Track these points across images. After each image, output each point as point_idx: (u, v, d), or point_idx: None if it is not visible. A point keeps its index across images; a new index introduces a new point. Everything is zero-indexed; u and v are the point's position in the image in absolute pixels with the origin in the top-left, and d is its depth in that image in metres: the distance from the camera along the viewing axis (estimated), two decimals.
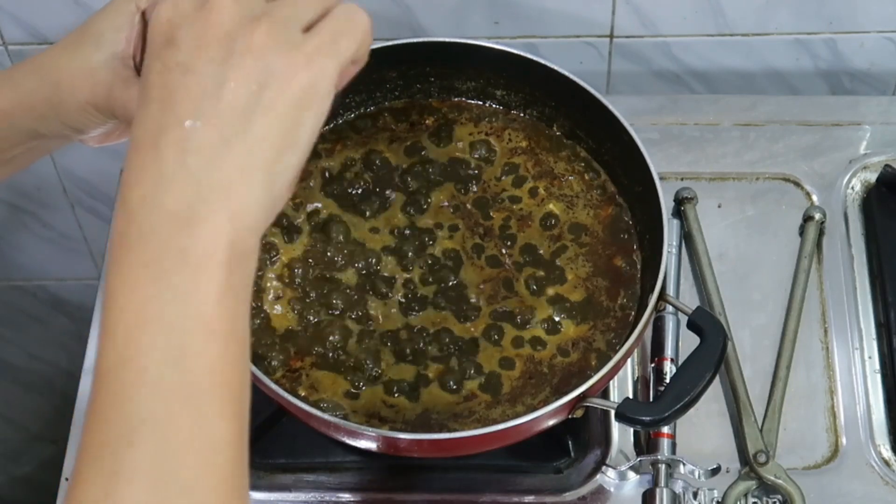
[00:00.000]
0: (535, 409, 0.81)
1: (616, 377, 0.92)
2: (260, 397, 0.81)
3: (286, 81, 0.52)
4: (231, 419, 0.51)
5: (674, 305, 0.87)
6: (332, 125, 0.97)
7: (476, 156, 0.96)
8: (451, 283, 0.89)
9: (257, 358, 0.87)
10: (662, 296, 0.84)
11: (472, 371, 0.86)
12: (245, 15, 0.53)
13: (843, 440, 0.94)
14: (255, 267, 0.53)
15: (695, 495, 0.90)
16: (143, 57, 0.65)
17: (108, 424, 0.49)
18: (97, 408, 0.50)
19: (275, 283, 0.90)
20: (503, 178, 0.95)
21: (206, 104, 0.51)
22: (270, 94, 0.52)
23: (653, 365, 0.95)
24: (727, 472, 0.92)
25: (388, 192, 0.94)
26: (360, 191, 0.94)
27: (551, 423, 0.82)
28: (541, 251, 0.91)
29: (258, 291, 0.89)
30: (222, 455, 0.50)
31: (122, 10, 0.68)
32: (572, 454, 0.93)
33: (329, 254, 0.91)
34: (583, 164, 0.95)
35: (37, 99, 0.71)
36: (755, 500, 0.91)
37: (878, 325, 0.99)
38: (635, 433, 0.94)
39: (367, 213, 0.93)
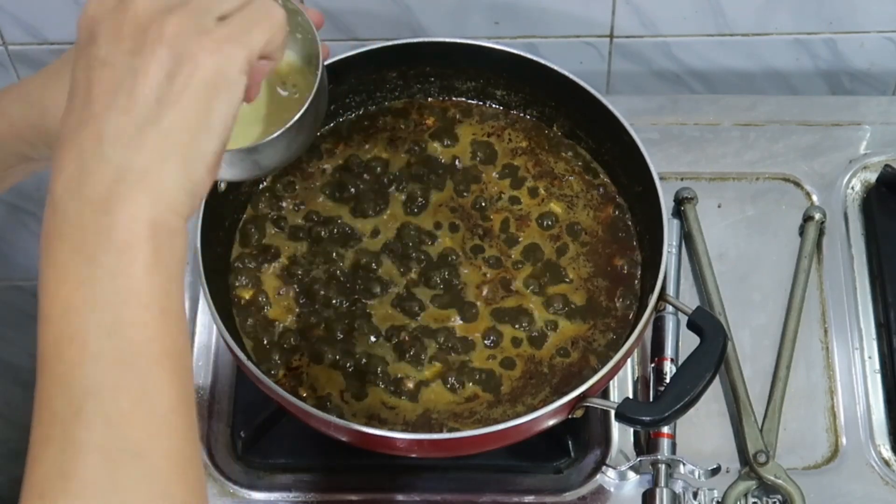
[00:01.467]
0: (535, 408, 0.81)
1: (616, 377, 0.93)
2: (260, 397, 0.82)
3: (195, 67, 0.53)
4: (175, 386, 0.53)
5: (674, 305, 0.87)
6: (332, 125, 0.97)
7: (476, 156, 0.96)
8: (450, 284, 0.89)
9: (258, 357, 0.87)
10: (662, 296, 0.84)
11: (472, 371, 0.86)
12: (161, 7, 0.54)
13: (843, 440, 0.94)
14: (184, 247, 0.54)
15: (695, 495, 0.90)
16: None
17: (55, 401, 0.51)
18: (43, 388, 0.52)
19: (275, 282, 0.90)
20: (503, 178, 0.95)
21: (121, 95, 0.53)
22: (180, 81, 0.53)
23: (653, 365, 0.95)
24: (727, 472, 0.92)
25: (387, 192, 0.94)
26: (359, 191, 0.94)
27: (551, 423, 0.82)
28: (541, 251, 0.91)
29: (258, 291, 0.89)
30: (170, 422, 0.52)
31: None
32: (572, 454, 0.94)
33: (329, 254, 0.91)
34: (583, 165, 0.95)
35: (24, 125, 0.72)
36: (755, 500, 0.91)
37: (878, 325, 0.99)
38: (635, 433, 0.94)
39: (367, 213, 0.93)
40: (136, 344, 0.52)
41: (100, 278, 0.51)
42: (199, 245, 0.83)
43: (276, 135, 0.65)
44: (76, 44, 0.56)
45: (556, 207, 0.93)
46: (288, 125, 0.65)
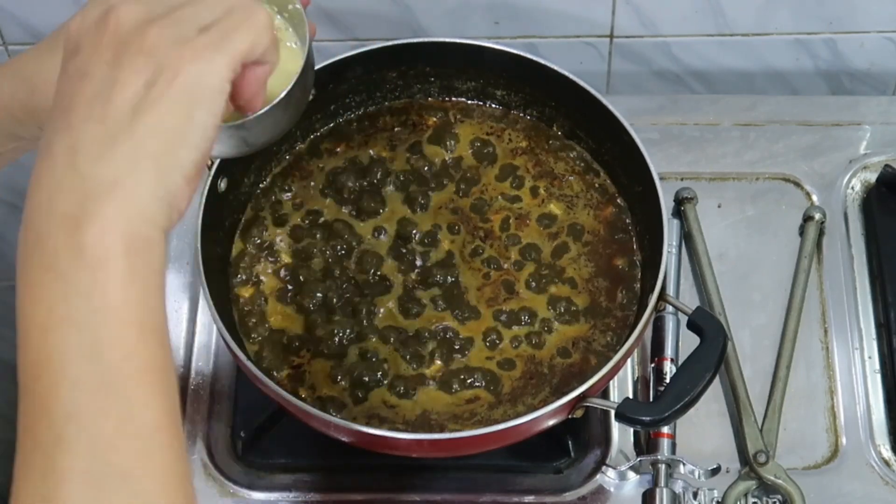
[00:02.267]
0: (535, 409, 0.81)
1: (616, 377, 0.92)
2: (260, 397, 0.82)
3: (173, 76, 0.52)
4: (159, 403, 0.51)
5: (674, 305, 0.87)
6: (332, 125, 0.97)
7: (476, 156, 0.96)
8: (450, 284, 0.89)
9: (258, 357, 0.87)
10: (662, 296, 0.84)
11: (472, 372, 0.86)
12: (143, 18, 0.53)
13: (843, 440, 0.94)
14: (162, 257, 0.53)
15: (695, 495, 0.90)
16: None
17: (37, 427, 0.49)
18: (24, 413, 0.50)
19: (275, 282, 0.90)
20: (503, 178, 0.95)
21: (97, 105, 0.52)
22: (157, 90, 0.52)
23: (653, 365, 0.95)
24: (727, 472, 0.92)
25: (387, 192, 0.94)
26: (360, 191, 0.94)
27: (551, 423, 0.82)
28: (541, 251, 0.91)
29: (258, 290, 0.89)
30: (156, 440, 0.51)
31: None
32: (572, 454, 0.93)
33: (329, 254, 0.91)
34: (583, 165, 0.95)
35: (14, 103, 0.71)
36: (755, 500, 0.91)
37: (878, 325, 0.99)
38: (635, 433, 0.94)
39: (367, 214, 0.92)
40: (117, 363, 0.50)
41: (74, 297, 0.50)
42: (199, 245, 0.83)
43: (263, 111, 0.64)
44: (62, 59, 0.55)
45: (556, 208, 0.93)
46: (275, 102, 0.65)
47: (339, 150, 0.96)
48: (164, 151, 0.52)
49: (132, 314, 0.51)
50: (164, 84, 0.52)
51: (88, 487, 0.49)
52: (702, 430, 0.94)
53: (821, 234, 1.03)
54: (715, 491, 0.91)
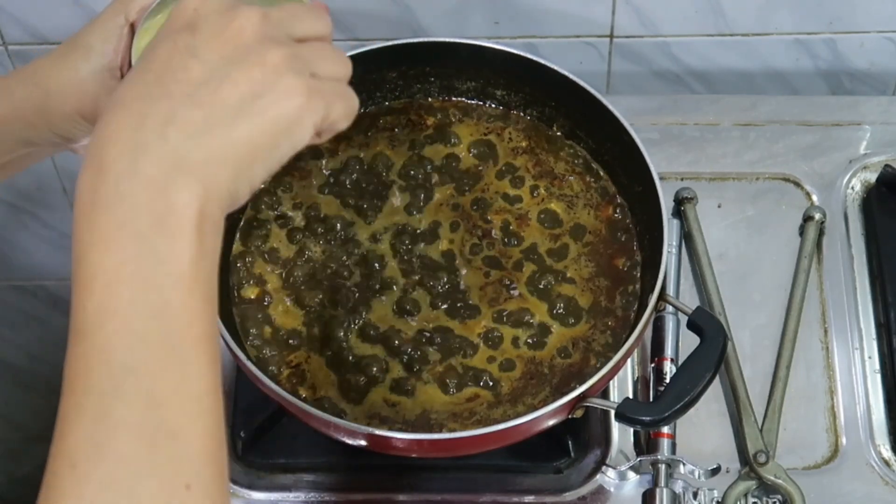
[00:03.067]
0: (535, 409, 0.81)
1: (616, 377, 0.92)
2: (260, 397, 0.82)
3: (282, 100, 0.56)
4: (210, 370, 0.54)
5: (674, 305, 0.87)
6: None
7: (476, 156, 0.96)
8: (450, 284, 0.89)
9: (258, 357, 0.87)
10: (662, 296, 0.84)
11: (472, 372, 0.86)
12: (268, 35, 0.57)
13: (843, 440, 0.94)
14: (220, 241, 0.56)
15: (695, 495, 0.90)
16: (130, 67, 0.66)
17: (93, 375, 0.51)
18: (79, 359, 0.52)
19: (275, 282, 0.90)
20: (503, 178, 0.95)
21: (203, 90, 0.55)
22: (263, 104, 0.56)
23: (653, 365, 0.95)
24: (727, 472, 0.92)
25: (388, 192, 0.94)
26: (360, 191, 0.94)
27: (551, 423, 0.82)
28: (541, 251, 0.91)
29: (258, 290, 0.89)
30: (204, 403, 0.53)
31: (111, 23, 0.72)
32: (572, 454, 0.93)
33: (329, 253, 0.91)
34: (583, 165, 0.95)
35: (28, 108, 0.72)
36: (755, 500, 0.91)
37: (878, 325, 0.99)
38: (635, 433, 0.94)
39: (368, 213, 0.93)
40: (181, 327, 0.53)
41: (149, 257, 0.52)
42: None
43: None
44: (166, 27, 0.57)
45: (556, 207, 0.93)
46: None
47: (339, 149, 0.96)
48: (246, 158, 0.56)
49: (200, 285, 0.54)
50: (269, 104, 0.56)
51: (140, 440, 0.50)
52: (702, 430, 0.94)
53: (821, 234, 1.03)
54: (715, 491, 0.91)
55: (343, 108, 0.60)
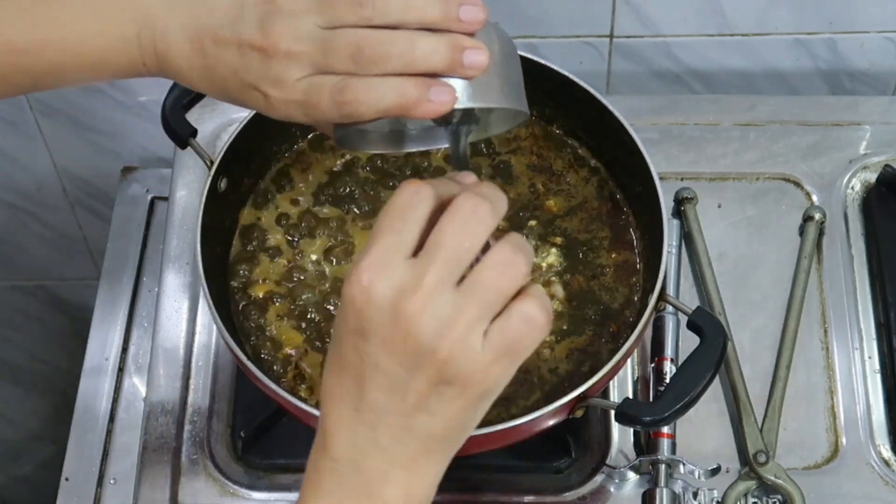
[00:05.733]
0: (529, 409, 0.81)
1: (616, 377, 0.92)
2: (260, 397, 0.82)
3: (465, 388, 0.56)
4: None
5: (674, 305, 0.87)
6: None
7: (475, 153, 0.96)
8: None
9: (258, 357, 0.87)
10: (662, 296, 0.84)
11: None
12: (437, 329, 0.55)
13: (843, 440, 0.94)
14: None
15: (695, 495, 0.90)
16: None
17: None
18: None
19: (275, 282, 0.90)
20: (502, 177, 0.95)
21: (394, 399, 0.56)
22: (450, 397, 0.57)
23: (653, 365, 0.95)
24: (727, 472, 0.92)
25: (387, 191, 0.94)
26: (359, 190, 0.93)
27: (552, 423, 0.82)
28: (540, 251, 0.91)
29: (258, 290, 0.89)
30: None
31: None
32: (572, 454, 0.93)
33: (329, 253, 0.91)
34: (582, 164, 0.95)
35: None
36: (755, 500, 0.91)
37: (878, 325, 0.99)
38: (635, 433, 0.94)
39: (367, 213, 0.92)
40: None
41: None
42: (199, 245, 0.83)
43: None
44: (340, 319, 0.57)
45: (554, 207, 0.93)
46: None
47: (338, 149, 0.96)
48: (451, 441, 0.60)
49: None
50: (457, 394, 0.57)
51: None
52: (702, 430, 0.94)
53: (821, 234, 1.03)
54: (715, 491, 0.91)
55: (529, 346, 0.57)
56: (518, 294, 0.56)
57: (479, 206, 0.55)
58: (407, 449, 0.58)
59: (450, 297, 0.55)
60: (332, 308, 0.89)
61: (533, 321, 0.56)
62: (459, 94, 0.61)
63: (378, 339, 0.55)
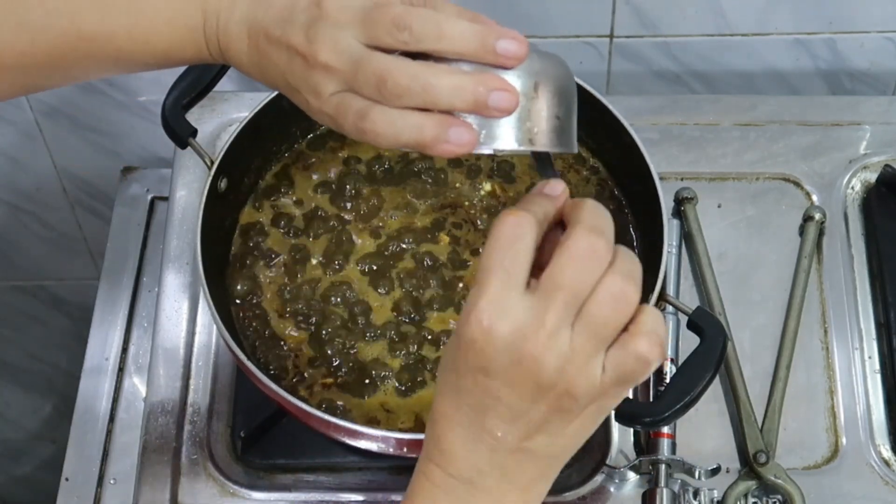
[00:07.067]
0: None
1: None
2: (260, 397, 0.82)
3: (584, 410, 0.57)
4: None
5: (674, 305, 0.87)
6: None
7: (475, 155, 0.96)
8: (450, 284, 0.89)
9: (258, 357, 0.87)
10: (662, 296, 0.84)
11: None
12: (556, 359, 0.55)
13: (843, 440, 0.94)
14: None
15: (695, 495, 0.90)
16: None
17: None
18: None
19: (275, 282, 0.90)
20: (503, 177, 0.95)
21: (514, 426, 0.57)
22: (570, 417, 0.57)
23: None
24: (727, 472, 0.92)
25: (386, 191, 0.94)
26: (359, 190, 0.94)
27: None
28: None
29: (258, 290, 0.89)
30: None
31: None
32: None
33: (328, 253, 0.91)
34: (582, 164, 0.95)
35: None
36: (755, 500, 0.91)
37: (878, 325, 0.99)
38: (635, 433, 0.94)
39: (367, 213, 0.93)
40: None
41: None
42: (199, 245, 0.83)
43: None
44: (461, 354, 0.57)
45: None
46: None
47: (338, 149, 0.96)
48: (562, 458, 0.61)
49: None
50: (578, 426, 0.58)
51: None
52: (702, 430, 0.94)
53: (821, 234, 1.03)
54: (715, 491, 0.91)
55: (641, 376, 0.58)
56: (632, 321, 0.56)
57: (595, 245, 0.56)
58: (525, 471, 0.59)
59: (568, 335, 0.55)
60: (333, 308, 0.89)
61: (647, 361, 0.57)
62: (484, 135, 0.59)
63: (500, 377, 0.56)
